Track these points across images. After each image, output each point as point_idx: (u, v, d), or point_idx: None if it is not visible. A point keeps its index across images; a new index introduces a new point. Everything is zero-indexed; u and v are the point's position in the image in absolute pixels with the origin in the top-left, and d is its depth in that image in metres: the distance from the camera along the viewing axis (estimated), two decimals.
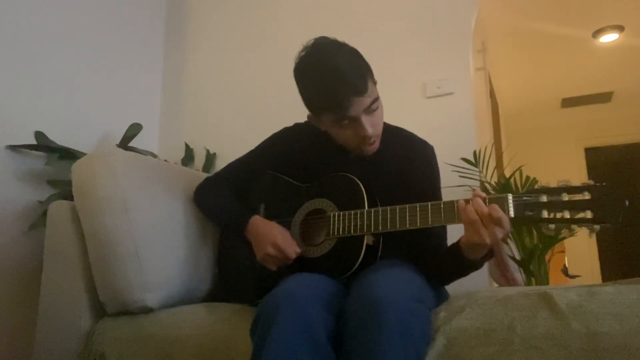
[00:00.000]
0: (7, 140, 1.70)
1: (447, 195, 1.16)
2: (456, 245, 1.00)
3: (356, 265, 1.05)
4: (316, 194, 1.20)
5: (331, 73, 1.03)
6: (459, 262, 1.00)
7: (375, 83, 1.11)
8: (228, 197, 1.31)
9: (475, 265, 1.00)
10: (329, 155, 1.23)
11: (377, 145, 1.15)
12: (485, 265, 1.14)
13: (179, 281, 1.29)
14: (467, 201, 0.95)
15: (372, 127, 1.08)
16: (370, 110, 1.07)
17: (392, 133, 1.23)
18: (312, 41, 1.09)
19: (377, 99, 1.08)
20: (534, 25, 3.31)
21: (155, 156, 2.16)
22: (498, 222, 0.90)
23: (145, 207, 1.27)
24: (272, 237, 1.12)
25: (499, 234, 0.90)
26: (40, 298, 1.31)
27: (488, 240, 0.90)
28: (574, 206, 0.88)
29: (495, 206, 0.90)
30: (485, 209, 0.90)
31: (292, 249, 1.11)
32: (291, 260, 1.11)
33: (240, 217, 1.22)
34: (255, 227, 1.17)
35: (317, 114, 1.12)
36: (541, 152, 5.02)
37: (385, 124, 1.24)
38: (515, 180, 1.82)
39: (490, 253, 0.99)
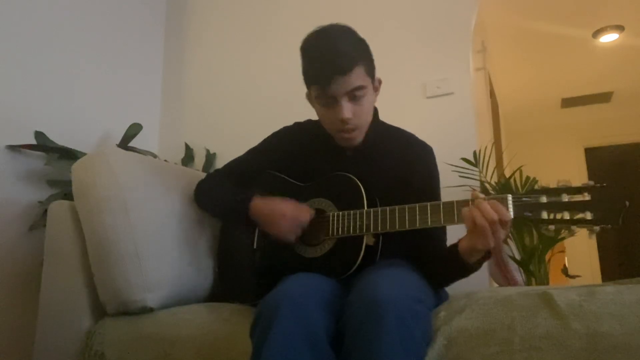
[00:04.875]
0: (7, 140, 1.70)
1: (447, 195, 1.16)
2: (454, 250, 0.99)
3: (355, 266, 1.05)
4: (316, 193, 1.20)
5: (323, 48, 1.08)
6: (460, 266, 1.00)
7: (371, 76, 1.12)
8: (227, 187, 1.30)
9: (475, 268, 1.00)
10: (328, 154, 1.23)
11: (356, 136, 1.15)
12: (485, 265, 1.14)
13: (179, 281, 1.29)
14: (466, 202, 0.94)
15: (351, 113, 1.09)
16: (353, 95, 1.08)
17: (391, 133, 1.23)
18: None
19: (363, 87, 1.09)
20: (534, 25, 3.31)
21: (155, 156, 2.16)
22: (505, 225, 0.89)
23: (145, 207, 1.27)
24: (280, 211, 1.13)
25: (503, 236, 0.91)
26: (40, 298, 1.31)
27: (493, 245, 0.90)
28: (573, 207, 0.88)
29: (503, 209, 0.89)
30: (494, 214, 0.88)
31: (304, 213, 1.13)
32: (307, 223, 1.13)
33: (240, 203, 1.21)
34: (258, 208, 1.18)
35: (308, 87, 1.15)
36: (541, 152, 5.01)
37: (384, 124, 1.24)
38: (515, 180, 1.82)
39: (488, 253, 0.99)
